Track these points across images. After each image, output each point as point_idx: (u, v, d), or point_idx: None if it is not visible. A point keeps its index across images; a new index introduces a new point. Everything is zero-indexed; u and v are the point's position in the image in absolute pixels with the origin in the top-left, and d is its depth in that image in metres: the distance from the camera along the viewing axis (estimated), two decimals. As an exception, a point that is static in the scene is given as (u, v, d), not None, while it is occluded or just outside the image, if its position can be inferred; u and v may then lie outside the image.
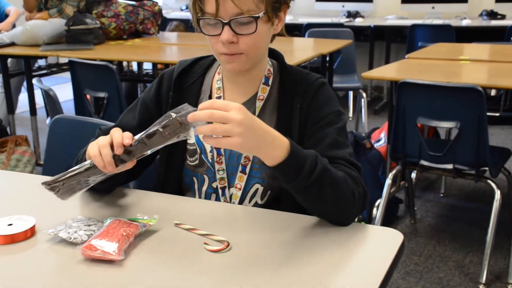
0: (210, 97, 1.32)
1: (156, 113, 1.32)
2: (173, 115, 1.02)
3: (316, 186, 1.07)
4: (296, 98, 1.26)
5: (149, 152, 1.06)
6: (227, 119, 0.96)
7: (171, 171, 1.34)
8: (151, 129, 1.04)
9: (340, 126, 1.24)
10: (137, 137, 1.06)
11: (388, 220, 2.94)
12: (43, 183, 1.10)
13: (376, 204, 2.83)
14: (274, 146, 1.03)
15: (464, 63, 3.08)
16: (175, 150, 1.32)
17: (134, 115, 1.34)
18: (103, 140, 1.07)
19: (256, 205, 1.29)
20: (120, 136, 1.06)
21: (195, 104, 1.29)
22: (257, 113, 1.28)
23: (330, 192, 1.08)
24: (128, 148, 1.06)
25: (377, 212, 2.73)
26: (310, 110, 1.25)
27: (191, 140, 1.32)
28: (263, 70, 1.30)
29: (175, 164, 1.33)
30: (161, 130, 1.03)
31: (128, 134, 1.07)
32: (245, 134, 0.97)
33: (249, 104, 1.29)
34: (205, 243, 1.05)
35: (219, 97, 1.30)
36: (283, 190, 1.12)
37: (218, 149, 1.29)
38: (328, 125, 1.23)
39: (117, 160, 1.07)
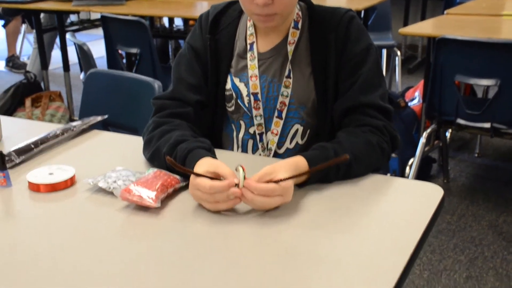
0: (245, 41, 1.32)
1: (204, 54, 1.32)
2: None
3: (347, 172, 1.11)
4: (328, 34, 1.25)
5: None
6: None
7: (216, 118, 1.35)
8: None
9: (373, 62, 1.24)
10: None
11: (421, 179, 2.90)
12: None
13: (410, 163, 2.79)
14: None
15: (507, 18, 2.97)
16: (218, 97, 1.32)
17: (192, 66, 1.32)
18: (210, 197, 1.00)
19: (297, 145, 1.31)
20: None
21: (231, 46, 1.31)
22: (290, 57, 1.27)
23: (361, 167, 1.13)
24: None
25: (410, 171, 2.70)
26: (344, 45, 1.25)
27: (228, 85, 1.32)
28: (292, 16, 1.29)
29: (220, 110, 1.34)
30: None
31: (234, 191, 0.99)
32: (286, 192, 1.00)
33: (281, 47, 1.29)
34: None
35: (252, 44, 1.31)
36: (322, 127, 1.15)
37: (255, 95, 1.29)
38: (361, 63, 1.23)
39: None
